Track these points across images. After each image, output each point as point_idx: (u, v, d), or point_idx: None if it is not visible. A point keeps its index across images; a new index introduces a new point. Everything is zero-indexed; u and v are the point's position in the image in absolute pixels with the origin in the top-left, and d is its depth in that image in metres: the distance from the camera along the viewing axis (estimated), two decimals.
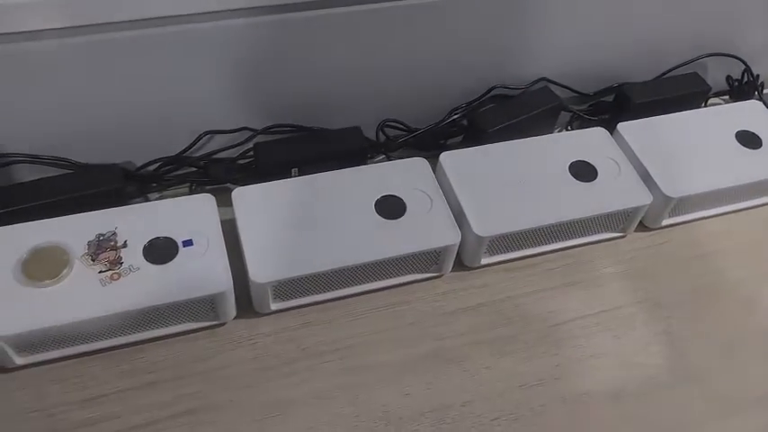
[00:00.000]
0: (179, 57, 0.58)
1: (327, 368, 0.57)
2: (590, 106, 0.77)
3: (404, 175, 0.63)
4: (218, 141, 0.66)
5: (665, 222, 0.68)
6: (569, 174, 0.65)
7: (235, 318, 0.58)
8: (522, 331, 0.60)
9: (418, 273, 0.62)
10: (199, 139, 0.63)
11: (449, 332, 0.60)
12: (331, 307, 0.60)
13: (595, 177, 0.65)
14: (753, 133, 0.71)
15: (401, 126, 0.70)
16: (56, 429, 0.51)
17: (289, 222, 0.59)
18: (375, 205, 0.60)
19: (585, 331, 0.61)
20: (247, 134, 0.65)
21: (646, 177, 0.66)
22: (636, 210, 0.65)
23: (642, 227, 0.68)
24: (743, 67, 0.80)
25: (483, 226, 0.60)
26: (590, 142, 0.68)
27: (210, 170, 0.64)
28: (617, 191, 0.65)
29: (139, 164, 0.64)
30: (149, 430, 0.52)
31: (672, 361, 0.60)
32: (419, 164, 0.64)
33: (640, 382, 0.58)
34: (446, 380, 0.57)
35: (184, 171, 0.65)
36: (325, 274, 0.57)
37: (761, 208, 0.71)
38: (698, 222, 0.69)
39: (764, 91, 0.81)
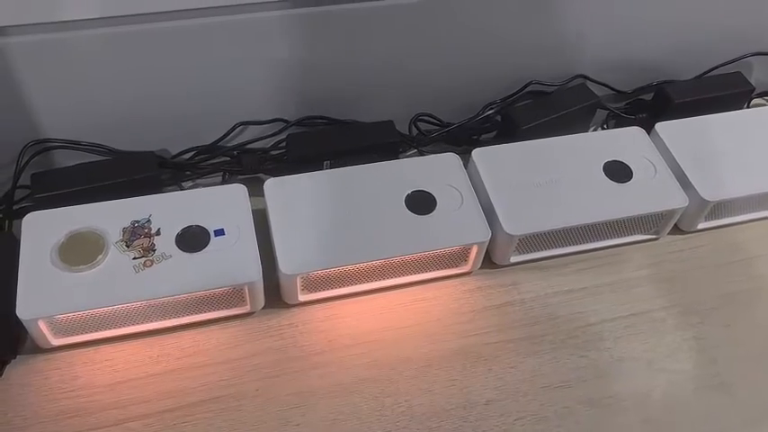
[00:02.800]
0: (218, 48, 0.59)
1: (353, 361, 0.57)
2: (627, 104, 0.76)
3: (435, 170, 0.63)
4: (252, 132, 0.66)
5: (700, 226, 0.67)
6: (603, 173, 0.64)
7: (264, 307, 0.59)
8: (549, 332, 0.60)
9: (447, 269, 0.62)
10: (233, 129, 0.64)
11: (475, 330, 0.59)
12: (359, 300, 0.60)
13: (630, 178, 0.64)
14: None
15: (434, 120, 0.70)
16: (86, 410, 0.53)
17: (319, 215, 0.59)
18: (405, 200, 0.60)
19: (614, 334, 0.60)
20: (281, 125, 0.66)
21: (682, 179, 0.65)
22: (671, 213, 0.64)
23: (677, 230, 0.67)
24: None
25: (513, 224, 0.60)
26: (626, 142, 0.67)
27: (243, 160, 0.65)
28: (652, 192, 0.63)
29: (174, 152, 0.65)
30: (177, 415, 0.53)
31: (700, 368, 0.59)
32: (451, 159, 0.64)
33: (667, 388, 0.57)
34: (470, 378, 0.57)
35: (218, 160, 0.66)
36: (353, 268, 0.58)
37: None
38: (735, 227, 0.68)
39: None
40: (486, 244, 0.60)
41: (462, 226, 0.60)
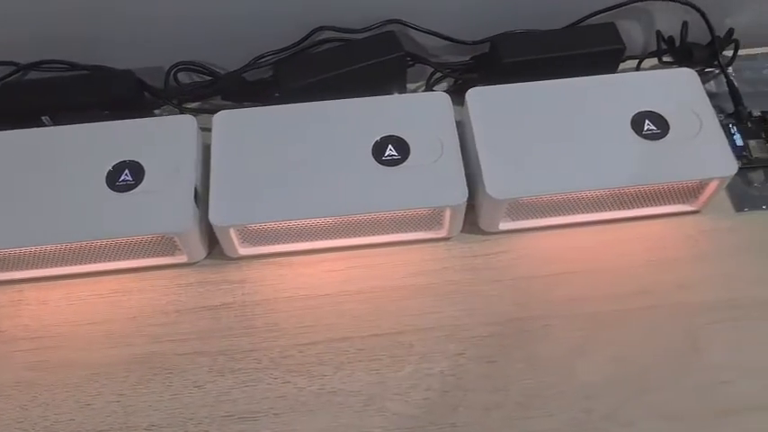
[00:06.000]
0: None
1: (18, 359, 0.49)
2: (472, 59, 0.60)
3: (157, 135, 0.51)
4: None
5: (503, 227, 0.52)
6: (371, 153, 0.50)
7: None
8: (260, 347, 0.49)
9: (160, 257, 0.51)
10: None
11: (173, 334, 0.49)
12: (52, 286, 0.51)
13: (404, 160, 0.50)
14: (660, 117, 0.51)
15: (204, 71, 0.58)
16: None
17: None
18: (107, 176, 0.50)
19: (339, 358, 0.48)
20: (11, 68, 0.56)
21: (475, 167, 0.50)
22: (446, 207, 0.49)
23: (477, 229, 0.53)
24: (700, 20, 0.58)
25: (224, 212, 0.48)
26: (419, 112, 0.52)
27: None
28: (428, 181, 0.49)
29: None
30: None
31: (434, 415, 0.46)
32: (186, 121, 0.52)
33: None
34: (142, 394, 0.47)
35: None
36: (31, 251, 0.49)
37: (645, 221, 0.53)
38: (552, 232, 0.52)
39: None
40: (194, 233, 0.49)
41: (166, 210, 0.49)
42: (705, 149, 0.50)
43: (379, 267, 0.52)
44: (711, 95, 0.59)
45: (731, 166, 0.49)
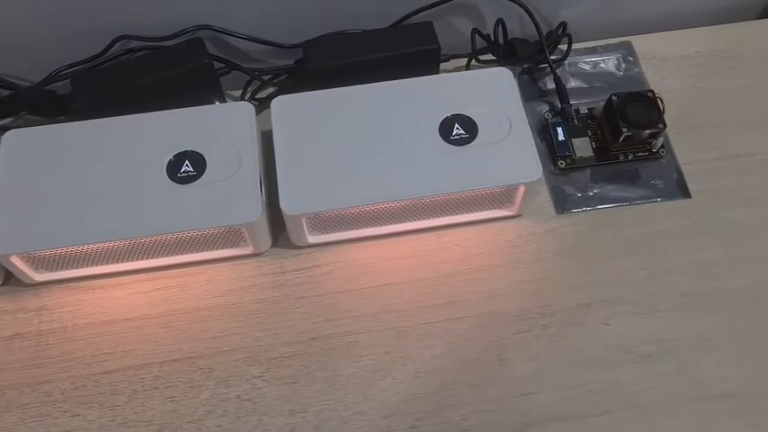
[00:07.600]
0: None
1: None
2: (295, 63, 0.58)
3: None
4: None
5: (313, 240, 0.50)
6: (165, 170, 0.48)
7: None
8: (54, 377, 0.47)
9: None
10: None
11: None
12: None
13: (199, 177, 0.48)
14: (469, 120, 0.50)
15: (5, 86, 0.55)
16: None
17: None
18: None
19: (134, 386, 0.46)
20: None
21: (272, 181, 0.48)
22: (239, 225, 0.47)
23: (288, 242, 0.51)
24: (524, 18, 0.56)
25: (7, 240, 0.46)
26: (218, 125, 0.50)
27: None
28: (221, 198, 0.47)
29: None
30: None
31: None
32: None
33: None
34: None
35: None
36: None
37: (463, 228, 0.51)
38: (372, 242, 0.51)
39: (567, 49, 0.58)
40: None
41: None
42: (511, 154, 0.49)
43: (186, 288, 0.50)
44: (545, 93, 0.58)
45: (535, 171, 0.48)
